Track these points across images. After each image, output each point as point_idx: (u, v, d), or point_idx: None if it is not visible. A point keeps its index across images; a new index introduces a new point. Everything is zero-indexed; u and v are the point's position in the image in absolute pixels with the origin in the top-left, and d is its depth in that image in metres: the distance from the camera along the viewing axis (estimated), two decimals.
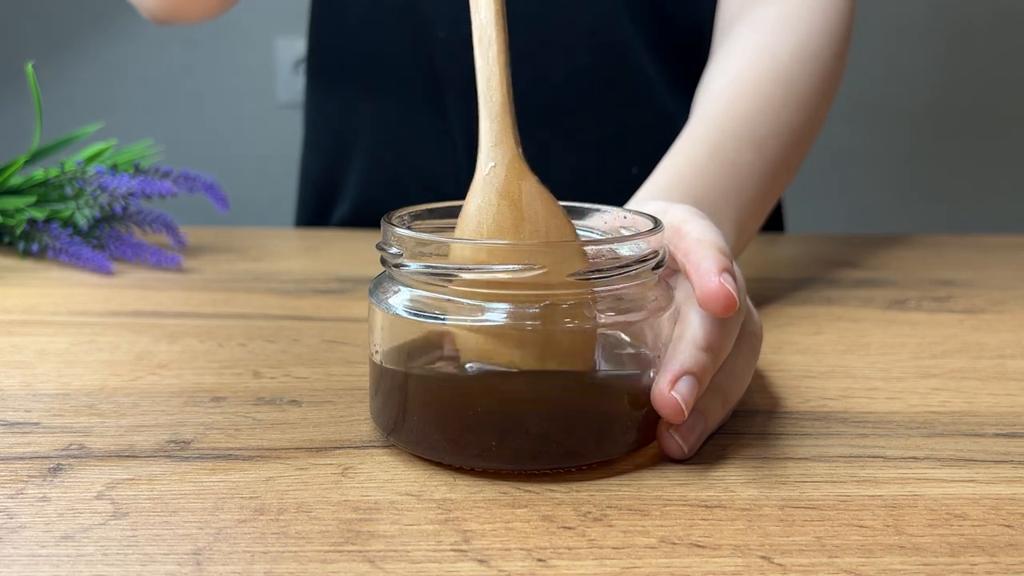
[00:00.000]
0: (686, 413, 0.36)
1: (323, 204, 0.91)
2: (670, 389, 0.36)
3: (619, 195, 0.76)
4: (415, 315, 0.36)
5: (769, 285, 0.66)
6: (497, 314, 0.35)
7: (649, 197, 0.54)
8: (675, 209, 0.43)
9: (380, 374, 0.38)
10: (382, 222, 0.38)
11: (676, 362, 0.37)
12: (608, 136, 0.82)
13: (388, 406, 0.38)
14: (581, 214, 0.42)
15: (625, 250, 0.37)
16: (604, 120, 0.82)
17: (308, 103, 0.92)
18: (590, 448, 0.36)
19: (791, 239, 0.83)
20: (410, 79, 0.84)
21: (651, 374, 0.37)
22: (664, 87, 0.81)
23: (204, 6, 0.86)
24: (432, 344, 0.37)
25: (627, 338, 0.38)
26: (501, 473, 0.36)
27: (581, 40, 0.81)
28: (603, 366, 0.37)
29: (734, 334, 0.40)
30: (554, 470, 0.36)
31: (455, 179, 0.84)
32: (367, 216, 0.86)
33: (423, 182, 0.85)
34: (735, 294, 0.37)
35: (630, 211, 0.41)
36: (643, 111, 0.82)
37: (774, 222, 0.90)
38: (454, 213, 0.41)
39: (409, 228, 0.38)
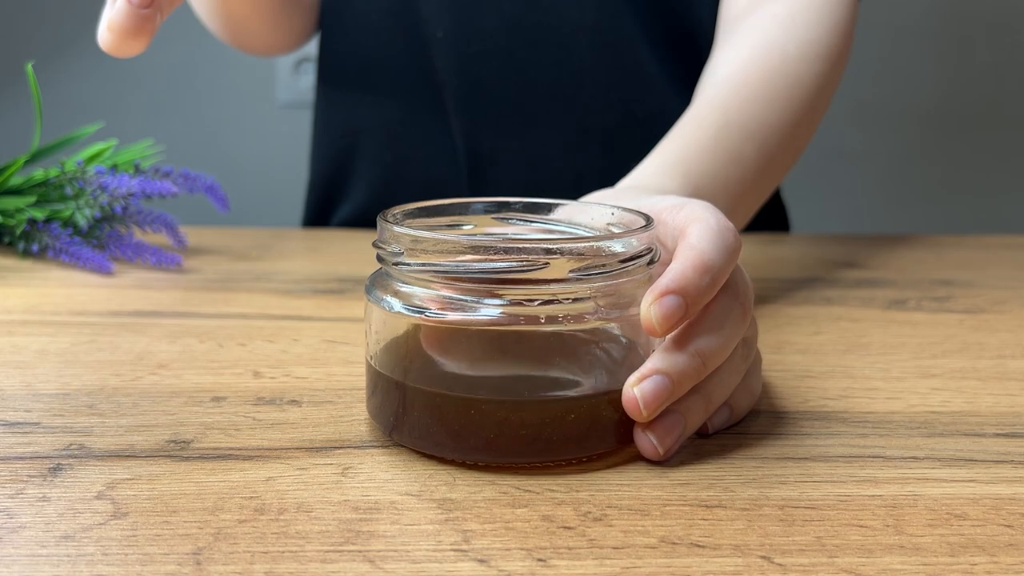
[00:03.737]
0: (644, 413, 0.35)
1: (326, 204, 0.92)
2: (634, 385, 0.36)
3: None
4: (413, 312, 0.36)
5: (769, 285, 0.66)
6: (495, 310, 0.35)
7: (651, 174, 0.54)
8: (692, 206, 0.40)
9: (377, 375, 0.38)
10: (378, 220, 0.38)
11: (649, 361, 0.36)
12: (608, 134, 0.82)
13: (386, 405, 0.38)
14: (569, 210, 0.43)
15: (620, 247, 0.37)
16: (604, 118, 0.82)
17: (316, 105, 0.93)
18: (587, 441, 0.37)
19: (791, 239, 0.83)
20: (410, 80, 0.84)
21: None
22: (664, 84, 0.81)
23: (266, 45, 0.88)
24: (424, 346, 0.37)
25: (619, 332, 0.38)
26: (501, 470, 0.36)
27: (582, 38, 0.81)
28: (599, 360, 0.37)
29: (731, 345, 0.38)
30: (555, 463, 0.37)
31: (456, 179, 0.84)
32: (368, 216, 0.86)
33: (424, 183, 0.86)
34: (656, 326, 0.35)
35: (619, 208, 0.41)
36: (643, 109, 0.82)
37: (779, 222, 0.90)
38: (447, 211, 0.42)
39: (403, 226, 0.38)
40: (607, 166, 0.83)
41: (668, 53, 0.82)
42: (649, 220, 0.39)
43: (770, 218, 0.88)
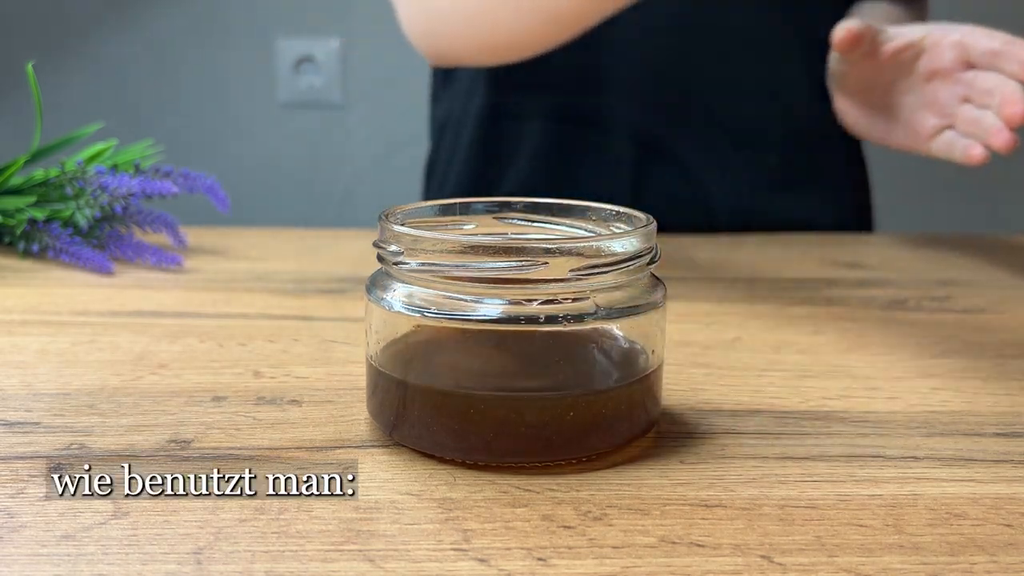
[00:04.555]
0: None
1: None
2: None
3: (757, 184, 0.87)
4: (413, 312, 0.36)
5: (769, 285, 0.66)
6: (495, 309, 0.35)
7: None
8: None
9: (378, 375, 0.38)
10: (378, 219, 0.38)
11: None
12: (750, 131, 0.86)
13: (387, 404, 0.38)
14: (571, 212, 0.43)
15: (620, 247, 0.37)
16: (749, 115, 0.87)
17: (465, 102, 0.91)
18: (587, 440, 0.37)
19: (791, 240, 0.83)
20: (575, 79, 0.85)
21: (643, 367, 0.38)
22: (804, 81, 0.86)
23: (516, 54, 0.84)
24: (428, 344, 0.37)
25: (620, 332, 0.38)
26: (501, 470, 0.36)
27: (733, 43, 0.84)
28: (599, 360, 0.38)
29: None
30: (555, 463, 0.37)
31: (617, 181, 0.85)
32: None
33: (584, 183, 0.86)
34: None
35: (620, 208, 0.42)
36: (784, 105, 0.87)
37: (865, 223, 0.95)
38: (448, 211, 0.42)
39: (404, 225, 0.38)
40: (748, 160, 0.85)
41: (815, 55, 0.84)
42: (650, 220, 0.39)
43: (859, 219, 0.93)
